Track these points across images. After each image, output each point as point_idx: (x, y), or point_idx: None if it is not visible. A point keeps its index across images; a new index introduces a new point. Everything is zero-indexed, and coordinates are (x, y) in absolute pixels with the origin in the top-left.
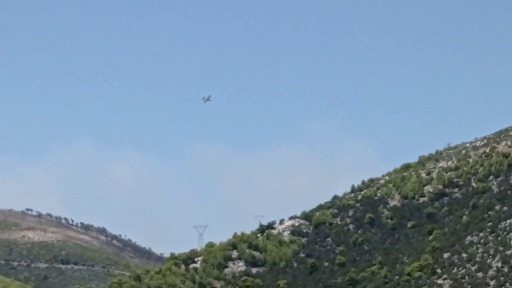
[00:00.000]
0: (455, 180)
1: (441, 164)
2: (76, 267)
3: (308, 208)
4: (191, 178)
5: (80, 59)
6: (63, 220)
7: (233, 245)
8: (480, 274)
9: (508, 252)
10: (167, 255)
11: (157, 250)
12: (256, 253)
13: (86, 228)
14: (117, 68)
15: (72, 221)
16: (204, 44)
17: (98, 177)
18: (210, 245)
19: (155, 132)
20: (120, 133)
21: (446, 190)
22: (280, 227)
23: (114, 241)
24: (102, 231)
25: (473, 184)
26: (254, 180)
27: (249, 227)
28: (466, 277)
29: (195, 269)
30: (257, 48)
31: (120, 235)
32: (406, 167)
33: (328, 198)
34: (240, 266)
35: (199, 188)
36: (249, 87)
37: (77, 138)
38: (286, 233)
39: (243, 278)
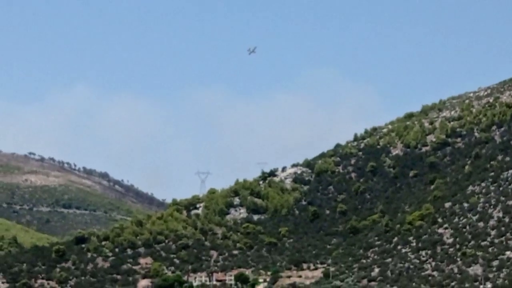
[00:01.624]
0: (457, 129)
1: (444, 114)
2: (78, 211)
3: (310, 156)
4: (192, 124)
5: (78, 4)
6: (65, 165)
7: (235, 191)
8: (481, 224)
9: (510, 203)
10: (169, 200)
11: (159, 196)
12: (258, 200)
13: (89, 172)
14: (116, 13)
15: (75, 165)
16: None
17: (98, 121)
18: (212, 192)
19: (155, 77)
20: (119, 78)
21: (449, 139)
22: (282, 175)
23: (116, 186)
24: (105, 176)
25: (476, 134)
26: (256, 127)
27: (251, 174)
28: (467, 227)
29: (197, 215)
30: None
31: (122, 180)
32: (409, 116)
33: (331, 146)
34: (242, 213)
35: (200, 134)
36: (250, 33)
37: (76, 83)
38: (288, 181)
39: (244, 225)
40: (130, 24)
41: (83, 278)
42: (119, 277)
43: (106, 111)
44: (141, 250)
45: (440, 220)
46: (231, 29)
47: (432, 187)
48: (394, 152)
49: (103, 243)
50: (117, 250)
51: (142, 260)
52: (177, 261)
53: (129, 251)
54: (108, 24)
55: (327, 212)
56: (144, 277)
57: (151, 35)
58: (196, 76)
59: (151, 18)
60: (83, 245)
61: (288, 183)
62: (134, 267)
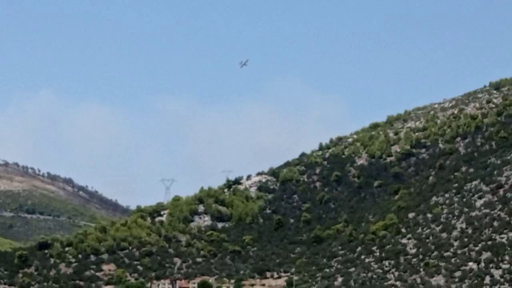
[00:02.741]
0: (422, 140)
1: (409, 124)
2: (41, 217)
3: (275, 164)
4: (158, 131)
5: (44, 10)
6: (29, 170)
7: (199, 199)
8: (444, 235)
9: (473, 214)
10: (133, 207)
11: (123, 202)
12: (222, 208)
13: (53, 178)
14: (82, 19)
15: (39, 170)
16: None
17: (63, 127)
18: (176, 199)
19: (121, 85)
20: (85, 85)
21: (413, 150)
22: (247, 183)
23: (81, 192)
24: (69, 181)
25: (440, 145)
26: (221, 135)
27: (216, 182)
28: (430, 237)
29: (161, 222)
30: (223, 4)
31: (86, 186)
32: (374, 126)
33: (296, 155)
34: (206, 220)
35: (166, 142)
36: (216, 42)
37: (41, 88)
38: (253, 189)
39: (208, 233)
40: (97, 32)
41: (45, 284)
42: (82, 283)
43: (71, 117)
44: (105, 256)
45: (403, 230)
46: (198, 38)
47: (396, 197)
48: (359, 162)
49: (67, 249)
50: (80, 256)
51: (105, 267)
52: (140, 268)
53: (93, 258)
54: (75, 31)
55: (291, 220)
56: (107, 283)
57: (118, 43)
58: (162, 84)
59: (118, 27)
60: (46, 251)
61: (253, 192)
62: (97, 274)
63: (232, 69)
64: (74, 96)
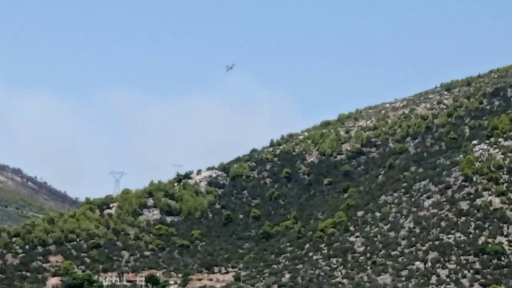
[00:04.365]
0: (373, 139)
1: (360, 123)
2: None
3: (225, 159)
4: (108, 123)
5: None
6: None
7: (149, 192)
8: (392, 234)
9: (421, 213)
10: (82, 199)
11: (72, 194)
12: (172, 202)
13: (1, 168)
14: (33, 8)
15: None
16: None
17: (11, 117)
18: (126, 192)
19: (70, 75)
20: (33, 74)
21: (364, 149)
22: (197, 177)
23: (30, 183)
24: (18, 172)
25: (391, 145)
26: (172, 128)
27: (167, 176)
28: (378, 236)
29: (110, 215)
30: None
31: (35, 177)
32: (325, 124)
33: (246, 150)
34: (155, 214)
35: (116, 134)
36: (168, 35)
37: None
38: (203, 184)
39: (157, 226)
40: (46, 22)
41: None
42: (28, 274)
43: (19, 106)
44: (52, 248)
45: (352, 228)
46: (148, 30)
47: (345, 195)
48: (309, 159)
49: (14, 239)
50: (27, 247)
51: (52, 258)
52: (88, 260)
53: (40, 249)
54: (23, 20)
55: (241, 216)
56: (54, 275)
57: (67, 33)
58: (111, 76)
59: (68, 17)
60: None
61: (203, 186)
62: (44, 265)
63: (182, 62)
64: (21, 86)
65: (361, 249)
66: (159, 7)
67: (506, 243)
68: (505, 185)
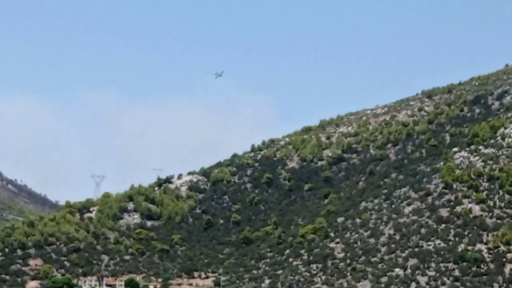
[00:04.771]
0: (353, 145)
1: (341, 129)
2: None
3: (207, 164)
4: (88, 126)
5: None
6: None
7: (129, 197)
8: (372, 240)
9: (401, 220)
10: (62, 202)
11: (52, 197)
12: (152, 206)
13: None
14: (13, 9)
15: None
16: None
17: None
18: (106, 196)
19: (49, 77)
20: (11, 76)
21: (345, 155)
22: (178, 182)
23: (9, 186)
24: None
25: (371, 151)
26: (151, 132)
27: (147, 180)
28: (358, 242)
29: (90, 218)
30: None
31: (15, 180)
32: (307, 129)
33: (227, 155)
34: (136, 218)
35: (96, 137)
36: (148, 37)
37: None
38: (184, 188)
39: (137, 231)
40: (25, 23)
41: None
42: (7, 277)
43: None
44: (32, 251)
45: (332, 234)
46: (128, 32)
47: (326, 201)
48: (290, 164)
49: None
50: (7, 250)
51: (32, 262)
52: (67, 264)
53: (19, 252)
54: (3, 19)
55: (221, 221)
56: (33, 278)
57: (46, 34)
58: (91, 78)
59: (49, 18)
60: None
61: (184, 191)
62: (24, 268)
63: (164, 65)
64: (1, 88)
65: (341, 255)
66: (143, 11)
67: (485, 250)
68: (485, 192)
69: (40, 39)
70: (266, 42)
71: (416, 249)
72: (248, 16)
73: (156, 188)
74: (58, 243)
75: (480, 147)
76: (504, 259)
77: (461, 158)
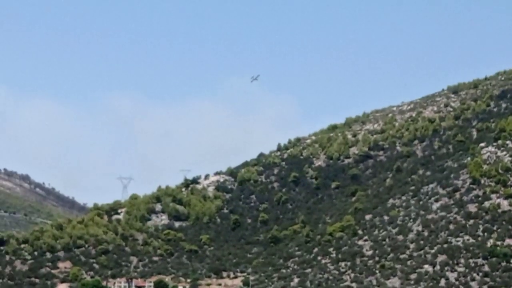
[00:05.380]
0: (380, 143)
1: (367, 127)
2: None
3: (233, 164)
4: (114, 129)
5: None
6: None
7: (157, 198)
8: (400, 237)
9: (429, 217)
10: (90, 205)
11: (80, 200)
12: (180, 207)
13: (9, 174)
14: (35, 12)
15: None
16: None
17: (17, 123)
18: (134, 197)
19: (73, 80)
20: (34, 80)
21: (371, 152)
22: (205, 182)
23: (38, 189)
24: (26, 178)
25: (398, 148)
26: (176, 133)
27: (174, 181)
28: (387, 239)
29: (118, 220)
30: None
31: (43, 183)
32: (333, 128)
33: (253, 155)
34: (163, 219)
35: (122, 139)
36: (170, 40)
37: None
38: (211, 189)
39: (165, 232)
40: (49, 26)
41: (0, 280)
42: (37, 280)
43: (24, 112)
44: (61, 254)
45: (360, 232)
46: (152, 35)
47: (353, 199)
48: (317, 163)
49: (22, 246)
50: (36, 253)
51: (61, 264)
52: (96, 266)
53: (48, 255)
54: (26, 24)
55: (249, 221)
56: (62, 281)
57: (69, 38)
58: (115, 81)
59: (71, 22)
60: (2, 248)
61: (211, 191)
62: (53, 271)
63: (186, 66)
64: (26, 91)
65: (370, 252)
66: (166, 12)
67: None
68: None
69: (63, 44)
70: (290, 41)
71: (445, 245)
72: (271, 17)
73: (183, 189)
74: (86, 245)
75: (507, 141)
76: None
77: (488, 153)
